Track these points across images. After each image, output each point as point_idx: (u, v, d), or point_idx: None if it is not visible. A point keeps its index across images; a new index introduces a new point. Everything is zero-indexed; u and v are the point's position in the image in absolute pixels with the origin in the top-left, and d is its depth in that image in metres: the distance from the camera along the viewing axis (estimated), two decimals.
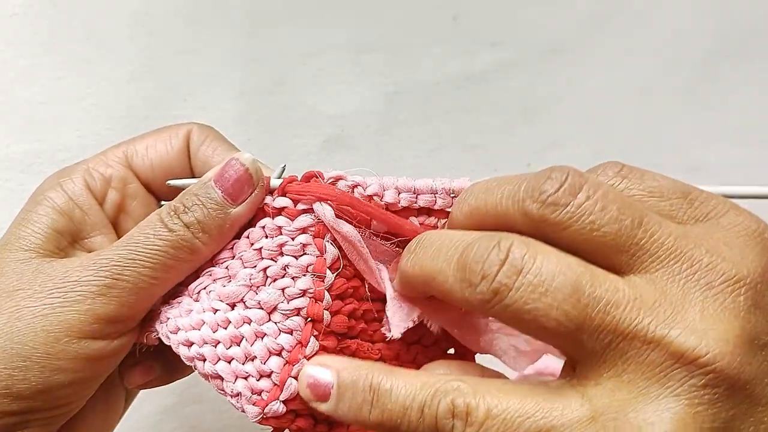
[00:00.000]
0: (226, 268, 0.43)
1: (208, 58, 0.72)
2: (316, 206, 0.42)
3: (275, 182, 0.44)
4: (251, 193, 0.43)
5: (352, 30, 0.75)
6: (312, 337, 0.41)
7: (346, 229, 0.42)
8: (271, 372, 0.41)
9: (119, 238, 0.44)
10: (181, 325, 0.42)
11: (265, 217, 0.43)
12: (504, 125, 0.78)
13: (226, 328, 0.42)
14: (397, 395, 0.36)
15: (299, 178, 0.44)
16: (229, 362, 0.41)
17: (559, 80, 0.80)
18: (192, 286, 0.44)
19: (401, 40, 0.77)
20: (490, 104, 0.78)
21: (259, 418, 0.41)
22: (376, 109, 0.76)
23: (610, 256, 0.34)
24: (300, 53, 0.74)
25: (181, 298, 0.44)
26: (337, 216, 0.42)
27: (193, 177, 0.47)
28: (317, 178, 0.43)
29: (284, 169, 0.45)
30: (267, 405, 0.41)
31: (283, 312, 0.42)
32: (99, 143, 0.66)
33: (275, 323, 0.42)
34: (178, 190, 0.46)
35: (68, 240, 0.44)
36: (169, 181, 0.46)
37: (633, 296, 0.33)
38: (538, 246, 0.34)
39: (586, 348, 0.33)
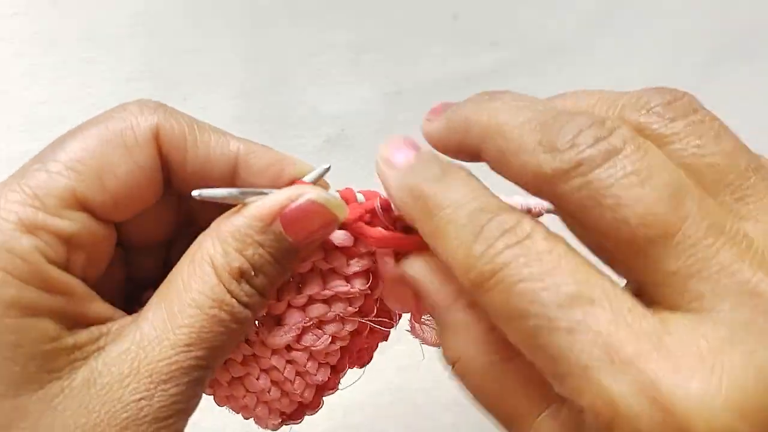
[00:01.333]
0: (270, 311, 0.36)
1: (208, 58, 0.72)
2: (380, 260, 0.35)
3: (309, 180, 0.36)
4: (329, 235, 0.34)
5: (353, 30, 0.75)
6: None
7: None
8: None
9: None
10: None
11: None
12: None
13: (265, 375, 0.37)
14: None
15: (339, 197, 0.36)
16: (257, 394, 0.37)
17: (559, 80, 0.80)
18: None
19: (401, 40, 0.77)
20: None
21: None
22: (376, 109, 0.76)
23: (712, 189, 0.28)
24: (300, 53, 0.74)
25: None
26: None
27: (186, 183, 0.35)
28: (356, 202, 0.36)
29: (327, 171, 0.37)
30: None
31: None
32: None
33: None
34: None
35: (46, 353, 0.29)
36: (197, 192, 0.32)
37: (739, 232, 0.26)
38: (648, 144, 0.28)
39: (662, 267, 0.26)
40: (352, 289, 0.35)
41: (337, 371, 0.39)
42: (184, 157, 0.33)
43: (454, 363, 0.30)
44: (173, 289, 0.31)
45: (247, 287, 0.31)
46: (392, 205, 0.34)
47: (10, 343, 0.28)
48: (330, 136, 0.75)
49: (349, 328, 0.37)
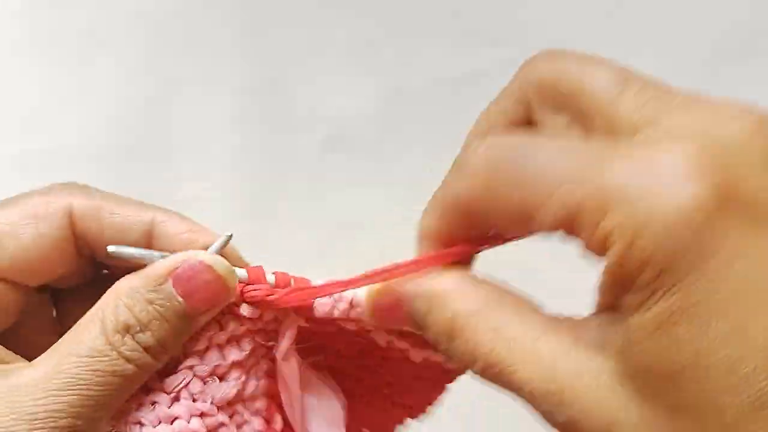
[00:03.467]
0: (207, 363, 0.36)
1: (208, 57, 0.72)
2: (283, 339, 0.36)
3: (213, 250, 0.36)
4: (221, 302, 0.34)
5: (352, 29, 0.75)
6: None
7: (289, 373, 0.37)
8: None
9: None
10: None
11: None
12: None
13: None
14: None
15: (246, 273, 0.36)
16: None
17: None
18: (169, 381, 0.36)
19: (401, 40, 0.77)
20: None
21: None
22: (375, 108, 0.76)
23: None
24: (299, 53, 0.74)
25: (154, 396, 0.36)
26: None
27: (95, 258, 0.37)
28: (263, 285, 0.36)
29: (228, 240, 0.36)
30: None
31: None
32: (98, 143, 0.66)
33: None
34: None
35: None
36: (113, 248, 0.34)
37: None
38: None
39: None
40: (224, 362, 0.36)
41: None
42: (101, 228, 0.35)
43: (449, 334, 0.31)
44: (63, 342, 0.33)
45: (131, 342, 0.32)
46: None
47: None
48: (329, 136, 0.75)
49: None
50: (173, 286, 0.33)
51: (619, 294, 0.26)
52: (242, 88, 0.73)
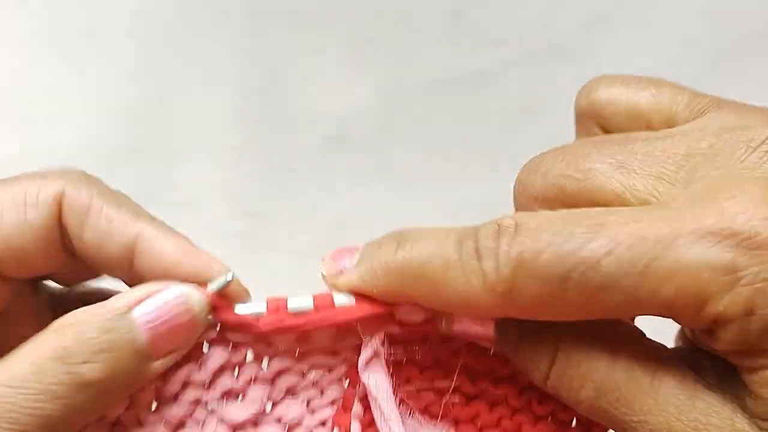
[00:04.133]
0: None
1: (208, 58, 0.72)
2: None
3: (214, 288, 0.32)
4: (186, 343, 0.31)
5: (352, 29, 0.75)
6: None
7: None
8: None
9: None
10: None
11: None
12: (504, 125, 0.78)
13: None
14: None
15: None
16: None
17: (559, 80, 0.79)
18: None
19: (401, 40, 0.76)
20: (490, 104, 0.77)
21: None
22: (375, 108, 0.76)
23: None
24: (300, 53, 0.74)
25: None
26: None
27: (83, 252, 0.33)
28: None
29: (228, 283, 0.32)
30: None
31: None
32: (98, 143, 0.66)
33: None
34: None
35: None
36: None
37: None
38: None
39: None
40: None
41: None
42: (82, 225, 0.32)
43: (552, 355, 0.29)
44: (8, 357, 0.29)
45: (65, 374, 0.28)
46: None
47: None
48: (330, 136, 0.75)
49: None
50: (139, 321, 0.29)
51: (740, 357, 0.26)
52: (242, 88, 0.73)
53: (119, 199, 0.33)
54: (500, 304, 0.27)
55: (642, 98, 0.32)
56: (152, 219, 0.33)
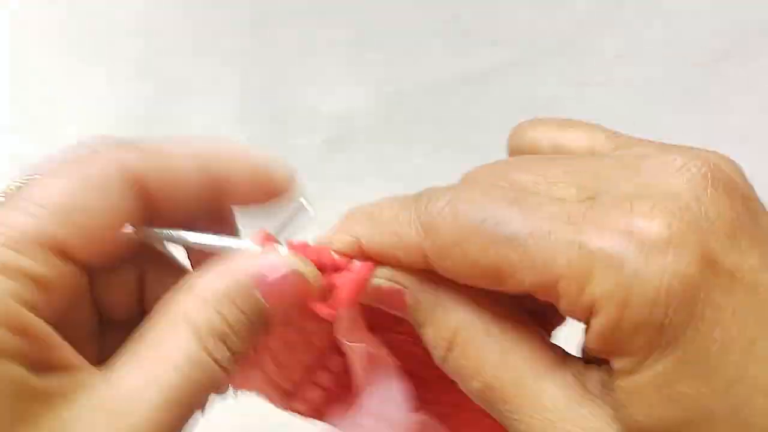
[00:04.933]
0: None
1: (208, 58, 0.72)
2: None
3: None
4: (300, 304, 0.33)
5: (352, 30, 0.75)
6: None
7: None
8: None
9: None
10: None
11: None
12: (504, 125, 0.78)
13: None
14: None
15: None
16: None
17: (559, 80, 0.80)
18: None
19: (401, 40, 0.77)
20: (490, 104, 0.77)
21: None
22: (375, 109, 0.76)
23: None
24: (300, 53, 0.74)
25: None
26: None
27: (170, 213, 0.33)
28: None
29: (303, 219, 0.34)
30: None
31: None
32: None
33: None
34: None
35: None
36: (131, 229, 0.31)
37: None
38: None
39: None
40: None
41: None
42: (168, 189, 0.32)
43: (451, 341, 0.31)
44: (149, 347, 0.30)
45: (224, 350, 0.31)
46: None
47: None
48: (330, 137, 0.75)
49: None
50: (262, 293, 0.31)
51: (609, 356, 0.27)
52: (243, 89, 0.73)
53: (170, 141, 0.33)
54: (423, 240, 0.29)
55: (564, 135, 0.34)
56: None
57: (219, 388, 0.31)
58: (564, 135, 0.34)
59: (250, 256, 0.32)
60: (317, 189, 0.75)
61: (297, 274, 0.32)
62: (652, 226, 0.26)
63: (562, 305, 0.27)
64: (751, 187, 0.30)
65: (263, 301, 0.31)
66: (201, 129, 0.74)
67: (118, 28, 0.69)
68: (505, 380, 0.29)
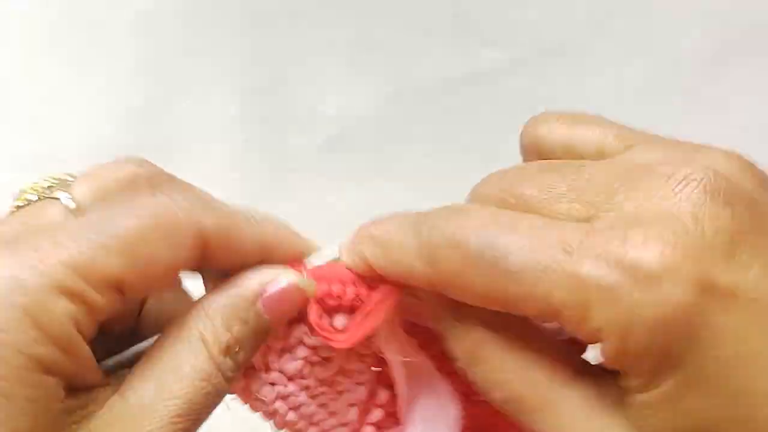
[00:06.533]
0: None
1: (208, 58, 0.72)
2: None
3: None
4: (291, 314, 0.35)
5: (352, 30, 0.75)
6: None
7: None
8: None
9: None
10: None
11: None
12: (504, 125, 0.78)
13: None
14: None
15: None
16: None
17: (559, 80, 0.80)
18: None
19: (401, 40, 0.77)
20: (490, 104, 0.77)
21: None
22: (376, 109, 0.76)
23: None
24: (300, 53, 0.74)
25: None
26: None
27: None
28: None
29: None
30: None
31: None
32: (99, 143, 0.66)
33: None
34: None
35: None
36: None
37: None
38: None
39: None
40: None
41: None
42: (227, 255, 0.34)
43: (471, 356, 0.32)
44: (160, 362, 0.32)
45: (230, 362, 0.32)
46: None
47: (28, 397, 0.29)
48: (330, 137, 0.75)
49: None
50: (264, 308, 0.33)
51: (620, 376, 0.28)
52: (242, 89, 0.73)
53: (245, 212, 0.35)
54: (427, 271, 0.30)
55: (574, 133, 0.34)
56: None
57: (220, 399, 0.33)
58: (574, 134, 0.35)
59: (253, 274, 0.34)
60: (317, 189, 0.76)
61: (294, 286, 0.33)
62: (646, 256, 0.26)
63: (569, 330, 0.28)
64: (761, 182, 0.30)
65: (263, 312, 0.33)
66: (201, 129, 0.74)
67: (118, 28, 0.69)
68: (526, 394, 0.30)
